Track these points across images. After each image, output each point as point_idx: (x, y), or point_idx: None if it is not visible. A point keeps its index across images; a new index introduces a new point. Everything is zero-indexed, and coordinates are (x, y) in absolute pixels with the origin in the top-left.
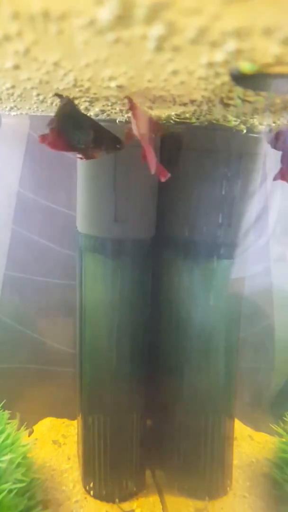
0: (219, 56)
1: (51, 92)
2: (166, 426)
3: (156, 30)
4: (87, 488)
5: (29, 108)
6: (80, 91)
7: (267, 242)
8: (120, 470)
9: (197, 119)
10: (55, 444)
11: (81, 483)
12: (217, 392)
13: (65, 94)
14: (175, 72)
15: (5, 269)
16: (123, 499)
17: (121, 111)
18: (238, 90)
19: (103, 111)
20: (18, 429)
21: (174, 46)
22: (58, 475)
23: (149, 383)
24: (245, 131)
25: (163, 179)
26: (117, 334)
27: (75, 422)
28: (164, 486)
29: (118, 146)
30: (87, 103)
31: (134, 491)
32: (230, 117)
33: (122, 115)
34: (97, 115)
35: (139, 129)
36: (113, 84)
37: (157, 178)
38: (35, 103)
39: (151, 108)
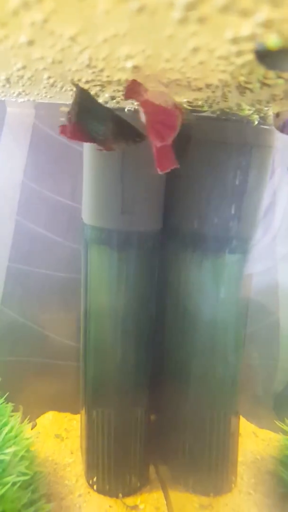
0: (246, 28)
1: (63, 74)
2: (171, 422)
3: None
4: (91, 482)
5: (38, 94)
6: (93, 73)
7: (273, 239)
8: (124, 465)
9: (210, 107)
10: (57, 438)
11: (84, 477)
12: (223, 388)
13: (77, 76)
14: (195, 50)
15: (9, 261)
16: (127, 494)
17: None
18: (259, 72)
19: (113, 97)
20: (21, 422)
21: (200, 16)
22: (61, 469)
23: (154, 378)
24: (256, 122)
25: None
26: (122, 327)
27: (77, 416)
28: (168, 481)
29: (138, 139)
30: (98, 88)
31: (137, 486)
32: (244, 105)
33: (132, 103)
34: (106, 102)
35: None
36: (129, 64)
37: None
38: (44, 87)
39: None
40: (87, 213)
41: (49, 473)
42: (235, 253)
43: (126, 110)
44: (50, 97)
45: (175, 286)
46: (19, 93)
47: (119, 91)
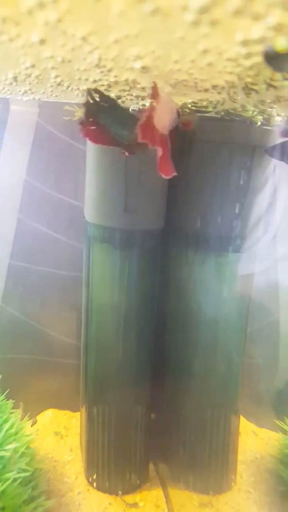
0: (257, 31)
1: (70, 73)
2: (171, 420)
3: None
4: (90, 480)
5: (43, 93)
6: (101, 72)
7: (273, 239)
8: (124, 462)
9: (214, 107)
10: (57, 436)
11: (83, 475)
12: (224, 386)
13: (85, 75)
14: (205, 52)
15: (10, 259)
16: (126, 491)
17: (137, 97)
18: (266, 74)
19: (118, 97)
20: (22, 419)
21: (212, 19)
22: (60, 466)
23: (155, 376)
24: (259, 123)
25: (164, 176)
26: (123, 325)
27: (77, 414)
28: (168, 479)
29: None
30: (104, 87)
31: (137, 484)
32: (249, 106)
33: (137, 102)
34: None
35: (160, 123)
36: (137, 64)
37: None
38: (51, 86)
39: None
40: (90, 212)
41: (48, 470)
42: (237, 252)
43: (130, 109)
44: (56, 96)
45: (177, 284)
46: (25, 91)
47: (125, 90)
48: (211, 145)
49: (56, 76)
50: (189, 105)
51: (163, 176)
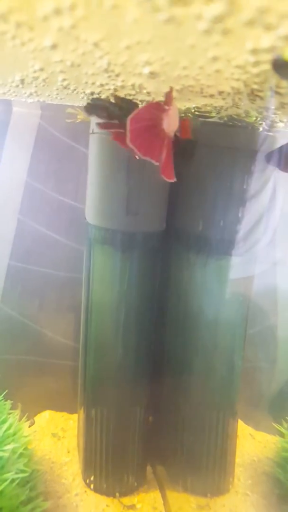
0: (267, 41)
1: (78, 77)
2: (169, 422)
3: (215, 9)
4: (88, 481)
5: (49, 95)
6: (109, 77)
7: (270, 243)
8: (121, 464)
9: (218, 113)
10: (54, 437)
11: (81, 476)
12: (222, 389)
13: (92, 79)
14: (214, 59)
15: (10, 259)
16: (124, 493)
17: (141, 102)
18: (273, 81)
19: None
20: (20, 419)
21: (225, 28)
22: (58, 468)
23: (154, 378)
24: (261, 129)
25: (167, 179)
26: (123, 327)
27: (74, 416)
28: (166, 482)
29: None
30: (110, 92)
31: (135, 486)
32: (252, 112)
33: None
34: None
35: (172, 127)
36: (146, 70)
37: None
38: (57, 89)
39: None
40: (92, 213)
41: (46, 471)
42: (238, 255)
43: None
44: (61, 98)
45: (178, 287)
46: (31, 94)
47: (130, 95)
48: (213, 149)
49: (64, 80)
50: (193, 110)
51: (166, 179)
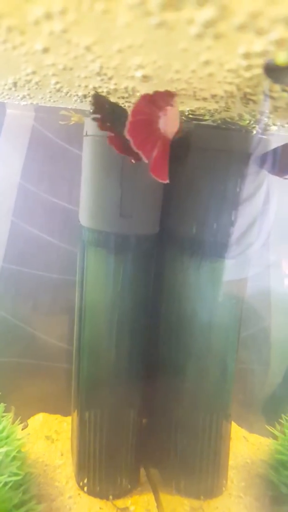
0: (259, 45)
1: (70, 80)
2: (162, 424)
3: (206, 13)
4: (81, 484)
5: (42, 98)
6: (102, 80)
7: (264, 246)
8: (115, 467)
9: (211, 116)
10: (48, 440)
11: (74, 479)
12: (216, 391)
13: (85, 82)
14: (206, 63)
15: (3, 261)
16: (117, 496)
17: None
18: (266, 84)
19: None
20: (13, 422)
21: (217, 33)
22: (51, 470)
23: (147, 380)
24: (254, 132)
25: (158, 179)
26: (117, 329)
27: (68, 419)
28: (159, 484)
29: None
30: (104, 94)
31: (128, 489)
32: (246, 116)
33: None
34: None
35: (170, 128)
36: (139, 73)
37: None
38: (50, 92)
39: None
40: (86, 216)
41: (39, 474)
42: (232, 258)
43: None
44: (54, 101)
45: (171, 289)
46: (24, 96)
47: (123, 98)
48: (207, 152)
49: (56, 83)
50: (186, 113)
51: (156, 178)
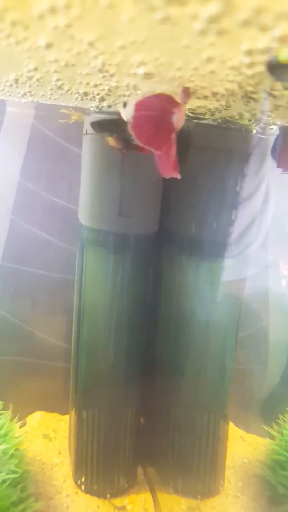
0: (262, 42)
1: (72, 77)
2: (160, 424)
3: (211, 8)
4: (78, 482)
5: (43, 95)
6: (103, 77)
7: (263, 246)
8: (112, 466)
9: (212, 115)
10: (45, 438)
11: (72, 477)
12: (214, 391)
13: (86, 79)
14: (209, 60)
15: (2, 260)
16: (115, 495)
17: None
18: (267, 83)
19: (109, 106)
20: (11, 420)
21: (220, 29)
22: (49, 469)
23: (145, 380)
24: (254, 131)
25: (166, 176)
26: (115, 329)
27: (65, 417)
28: (156, 483)
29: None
30: (105, 92)
31: (125, 487)
32: (246, 114)
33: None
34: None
35: (179, 124)
36: (140, 70)
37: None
38: (51, 89)
39: None
40: (85, 215)
41: (37, 472)
42: (231, 258)
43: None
44: (55, 99)
45: (170, 289)
46: (24, 94)
47: (124, 96)
48: (206, 151)
49: (58, 80)
50: (187, 112)
51: (172, 175)
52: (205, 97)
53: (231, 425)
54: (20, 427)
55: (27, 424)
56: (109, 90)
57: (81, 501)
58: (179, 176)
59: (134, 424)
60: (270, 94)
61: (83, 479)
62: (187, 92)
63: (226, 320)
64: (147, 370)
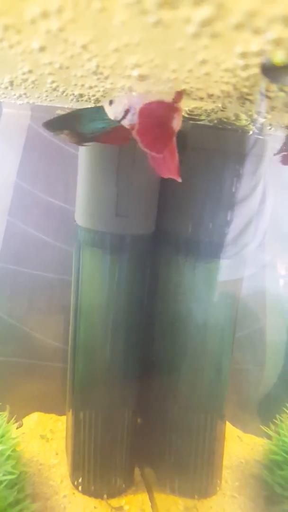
0: (256, 45)
1: (67, 79)
2: (157, 424)
3: (203, 12)
4: (76, 483)
5: (38, 97)
6: (98, 79)
7: (260, 246)
8: (109, 466)
9: (208, 116)
10: (42, 439)
11: (69, 478)
12: (211, 391)
13: (81, 81)
14: (203, 62)
15: None
16: (112, 495)
17: None
18: (263, 84)
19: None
20: (8, 421)
21: (214, 32)
22: (46, 469)
23: (142, 380)
24: (251, 132)
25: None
26: (112, 329)
27: (63, 418)
28: (153, 484)
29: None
30: (100, 93)
31: (122, 488)
32: (242, 116)
33: None
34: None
35: (177, 127)
36: (135, 72)
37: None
38: (46, 91)
39: None
40: (81, 215)
41: (34, 473)
42: (227, 258)
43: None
44: (50, 100)
45: (167, 289)
46: (20, 96)
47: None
48: (203, 152)
49: (52, 82)
50: (183, 113)
51: (175, 178)
52: (201, 99)
53: (228, 425)
54: (17, 428)
55: (24, 425)
56: (104, 92)
57: (78, 501)
58: (180, 180)
59: (131, 425)
60: (266, 96)
61: (80, 480)
62: (181, 95)
63: (222, 320)
64: (144, 370)
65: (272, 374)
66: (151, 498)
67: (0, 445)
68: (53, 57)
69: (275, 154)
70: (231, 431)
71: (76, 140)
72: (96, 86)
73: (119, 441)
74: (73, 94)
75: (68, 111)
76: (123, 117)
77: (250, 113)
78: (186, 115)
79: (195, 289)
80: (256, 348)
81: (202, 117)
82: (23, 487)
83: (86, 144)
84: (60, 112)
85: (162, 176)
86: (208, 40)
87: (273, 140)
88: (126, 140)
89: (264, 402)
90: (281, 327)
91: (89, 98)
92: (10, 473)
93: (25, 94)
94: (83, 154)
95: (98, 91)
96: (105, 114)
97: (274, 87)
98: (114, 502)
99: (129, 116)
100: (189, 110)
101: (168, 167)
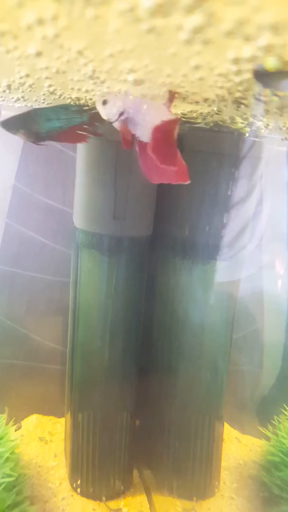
0: (247, 51)
1: (64, 83)
2: (155, 426)
3: (194, 20)
4: (74, 485)
5: (36, 100)
6: (94, 83)
7: (258, 247)
8: (108, 469)
9: (204, 119)
10: (41, 441)
11: (67, 480)
12: (208, 393)
13: (78, 85)
14: (197, 67)
15: None
16: (110, 497)
17: None
18: (256, 89)
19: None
20: (7, 423)
21: (206, 38)
22: (45, 472)
23: (140, 382)
24: (247, 134)
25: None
26: (110, 331)
27: (61, 420)
28: (152, 485)
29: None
30: (96, 97)
31: (121, 490)
32: (238, 119)
33: None
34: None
35: (176, 135)
36: (130, 77)
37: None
38: (44, 94)
39: None
40: (79, 218)
41: (32, 475)
42: (224, 260)
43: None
44: (48, 103)
45: (164, 291)
46: (18, 99)
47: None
48: (200, 155)
49: (50, 85)
50: (179, 116)
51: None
52: (197, 102)
53: (226, 426)
54: (15, 430)
55: (23, 427)
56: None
57: (76, 504)
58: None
59: (129, 427)
60: (260, 100)
61: (78, 482)
62: (172, 97)
63: (220, 322)
64: (142, 372)
65: (269, 375)
66: (150, 500)
67: None
68: (49, 62)
69: None
70: (229, 432)
71: (32, 139)
72: (92, 90)
73: (118, 443)
74: (71, 97)
75: None
76: (116, 120)
77: (245, 116)
78: (183, 118)
79: (192, 291)
80: (253, 349)
81: (198, 120)
82: (22, 490)
83: (42, 143)
84: None
85: (172, 183)
86: (200, 46)
87: (269, 143)
88: (83, 139)
89: (262, 403)
90: (278, 328)
91: (86, 101)
92: (9, 475)
93: (23, 97)
94: (81, 156)
95: (95, 94)
96: (61, 113)
97: (267, 91)
98: (113, 504)
99: (122, 118)
100: (185, 113)
101: (178, 173)
